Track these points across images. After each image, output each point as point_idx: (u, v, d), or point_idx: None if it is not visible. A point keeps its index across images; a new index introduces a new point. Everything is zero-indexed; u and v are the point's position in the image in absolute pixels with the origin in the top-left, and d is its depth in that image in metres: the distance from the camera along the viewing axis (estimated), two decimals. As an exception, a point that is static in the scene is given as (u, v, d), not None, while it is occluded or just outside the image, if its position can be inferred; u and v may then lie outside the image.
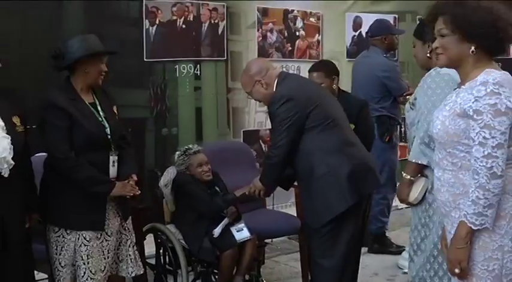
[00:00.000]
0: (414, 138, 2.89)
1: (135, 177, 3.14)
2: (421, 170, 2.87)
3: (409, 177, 2.91)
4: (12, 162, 2.65)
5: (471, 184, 2.15)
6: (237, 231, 3.68)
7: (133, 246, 3.24)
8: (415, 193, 2.89)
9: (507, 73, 2.22)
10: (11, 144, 2.65)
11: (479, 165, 2.12)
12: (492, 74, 2.16)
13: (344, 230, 3.15)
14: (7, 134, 2.67)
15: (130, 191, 3.09)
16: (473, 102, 2.14)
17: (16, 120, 2.77)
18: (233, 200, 3.63)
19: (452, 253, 2.22)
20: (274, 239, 4.46)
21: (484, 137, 2.11)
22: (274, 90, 3.24)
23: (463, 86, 2.24)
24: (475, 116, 2.13)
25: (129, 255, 3.22)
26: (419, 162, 2.83)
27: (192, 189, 3.70)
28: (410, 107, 3.04)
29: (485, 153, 2.11)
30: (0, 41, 3.77)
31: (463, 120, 2.18)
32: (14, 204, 2.76)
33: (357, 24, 6.01)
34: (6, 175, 2.63)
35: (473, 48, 2.20)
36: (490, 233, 2.17)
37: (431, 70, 2.88)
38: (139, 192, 3.14)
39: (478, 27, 2.17)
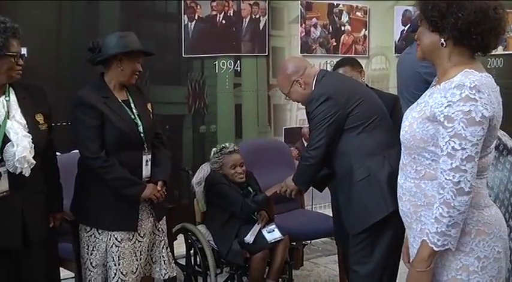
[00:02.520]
0: None
1: (161, 184, 3.09)
2: None
3: None
4: (34, 162, 2.60)
5: (435, 198, 1.93)
6: (268, 233, 3.58)
7: (166, 248, 3.21)
8: None
9: (489, 75, 1.98)
10: (33, 142, 2.61)
11: (446, 179, 1.89)
12: (470, 77, 1.91)
13: (382, 236, 2.98)
14: (29, 132, 2.63)
15: (161, 195, 3.06)
16: (445, 107, 1.90)
17: (39, 118, 2.72)
18: (263, 199, 3.54)
19: (412, 276, 1.98)
20: (316, 240, 4.33)
21: (453, 148, 1.88)
22: (313, 89, 3.11)
23: (438, 86, 2.00)
24: (445, 123, 1.89)
25: (163, 256, 3.18)
26: None
27: (224, 189, 3.61)
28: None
29: (453, 166, 1.87)
30: (36, 38, 3.77)
31: (433, 125, 1.95)
32: (36, 203, 2.73)
33: (406, 18, 5.77)
34: (27, 174, 2.58)
35: (442, 40, 1.97)
36: (453, 251, 1.95)
37: None
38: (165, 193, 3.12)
39: (441, 17, 1.95)
